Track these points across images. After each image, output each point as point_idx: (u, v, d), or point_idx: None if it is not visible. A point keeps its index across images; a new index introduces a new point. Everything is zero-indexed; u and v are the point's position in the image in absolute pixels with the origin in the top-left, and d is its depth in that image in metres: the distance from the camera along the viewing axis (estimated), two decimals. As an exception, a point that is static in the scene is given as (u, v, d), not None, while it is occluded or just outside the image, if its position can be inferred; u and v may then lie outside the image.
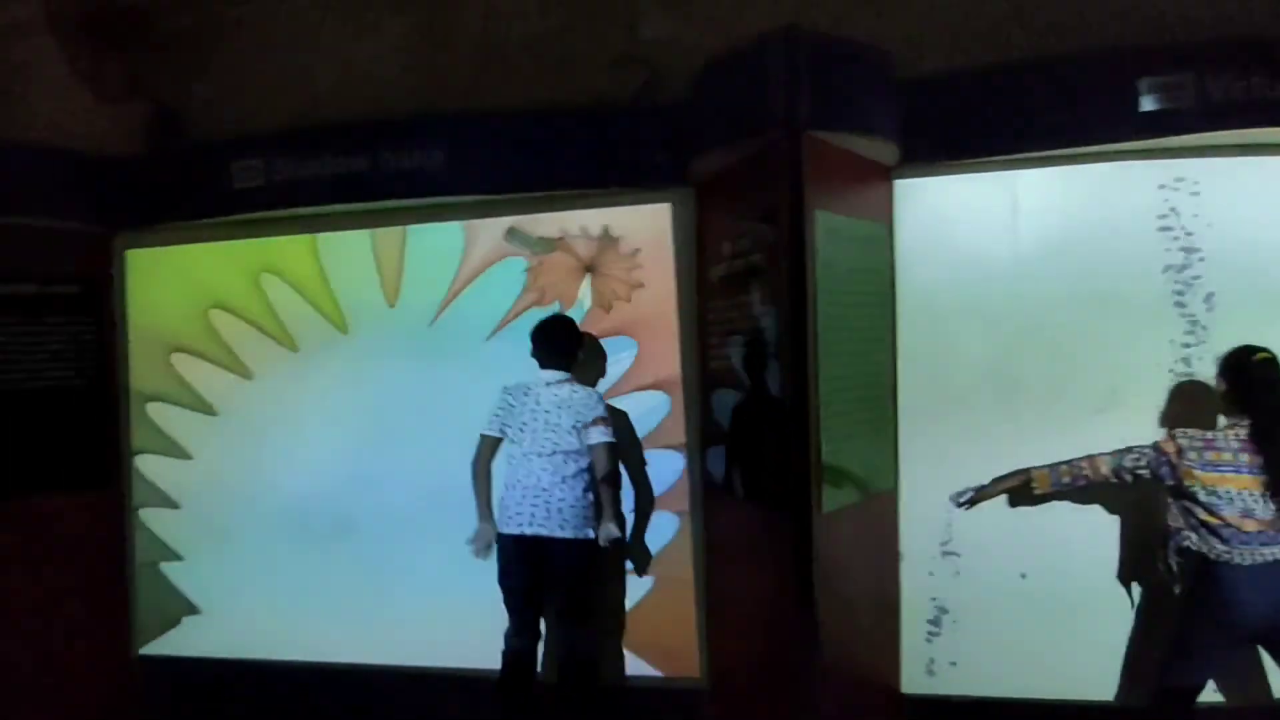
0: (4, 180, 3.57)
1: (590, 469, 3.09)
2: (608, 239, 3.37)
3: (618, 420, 3.23)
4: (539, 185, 3.34)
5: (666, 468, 3.34)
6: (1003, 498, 2.96)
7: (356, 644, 3.66)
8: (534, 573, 3.08)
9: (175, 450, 3.87)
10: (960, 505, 2.95)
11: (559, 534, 3.03)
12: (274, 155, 3.53)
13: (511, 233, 3.44)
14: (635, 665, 3.39)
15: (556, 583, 3.09)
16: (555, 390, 3.10)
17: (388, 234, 3.60)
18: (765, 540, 2.86)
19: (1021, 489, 2.88)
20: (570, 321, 3.24)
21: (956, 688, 3.09)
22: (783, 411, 2.69)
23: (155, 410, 3.88)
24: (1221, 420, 2.70)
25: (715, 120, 2.98)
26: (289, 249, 3.71)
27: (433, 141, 3.37)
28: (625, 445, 3.27)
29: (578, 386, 3.13)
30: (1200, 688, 2.65)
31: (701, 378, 3.25)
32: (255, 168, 3.53)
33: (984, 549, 3.08)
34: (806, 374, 2.64)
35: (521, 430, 3.10)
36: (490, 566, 3.16)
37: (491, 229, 3.48)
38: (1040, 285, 3.02)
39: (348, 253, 3.65)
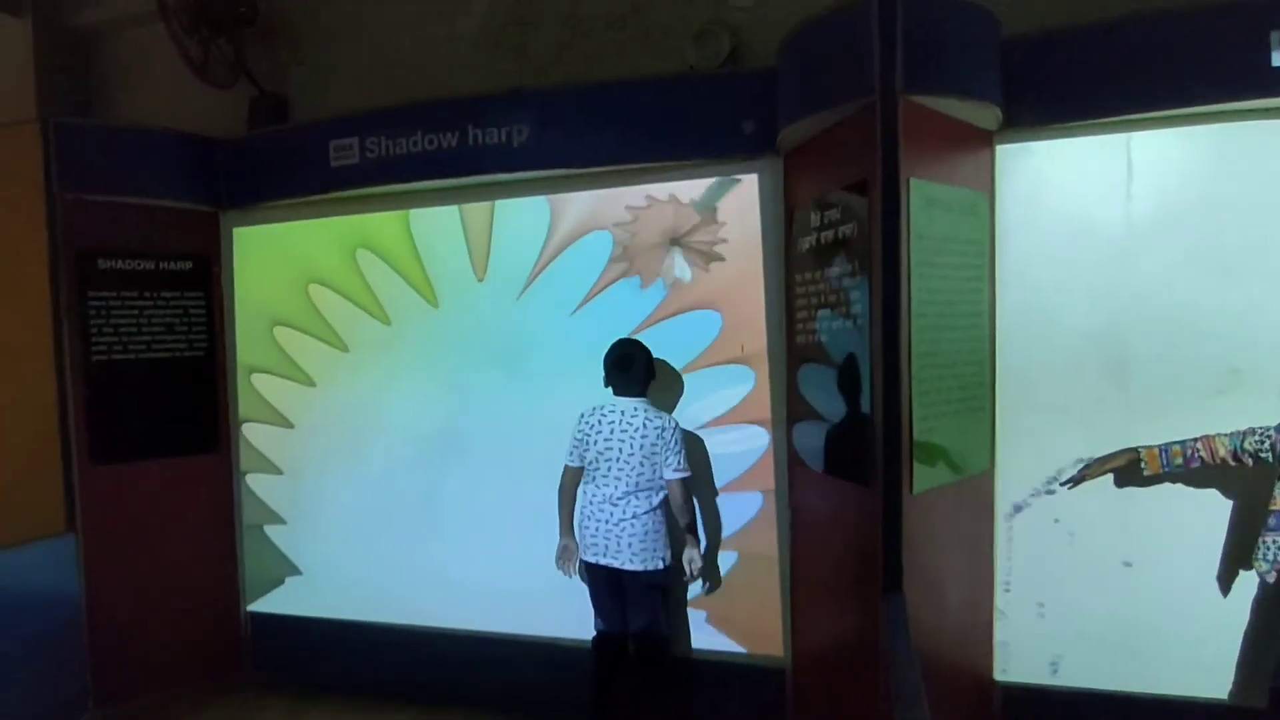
0: (124, 162, 3.82)
1: (665, 502, 3.16)
2: (693, 210, 3.32)
3: (694, 449, 3.27)
4: (624, 158, 3.32)
5: (751, 444, 3.30)
6: (1109, 479, 2.81)
7: (444, 608, 3.78)
8: (614, 589, 3.20)
9: (277, 419, 4.07)
10: (1064, 485, 2.81)
11: (629, 567, 3.13)
12: (367, 134, 3.64)
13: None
14: (719, 640, 3.38)
15: (633, 599, 3.18)
16: (630, 419, 3.13)
17: (476, 209, 3.65)
18: (853, 519, 2.79)
19: (1129, 469, 2.73)
20: (639, 344, 3.24)
21: (1052, 678, 2.97)
22: (872, 389, 2.61)
23: (259, 381, 4.08)
24: None
25: (805, 87, 2.89)
26: (383, 225, 3.82)
27: (520, 117, 3.40)
28: (700, 475, 3.30)
29: (653, 414, 3.14)
30: None
31: (788, 352, 3.19)
32: (350, 147, 3.64)
33: (1085, 535, 2.93)
34: (899, 350, 2.56)
35: (595, 463, 3.17)
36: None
37: (577, 203, 3.49)
38: (1155, 255, 2.83)
39: (438, 228, 3.72)
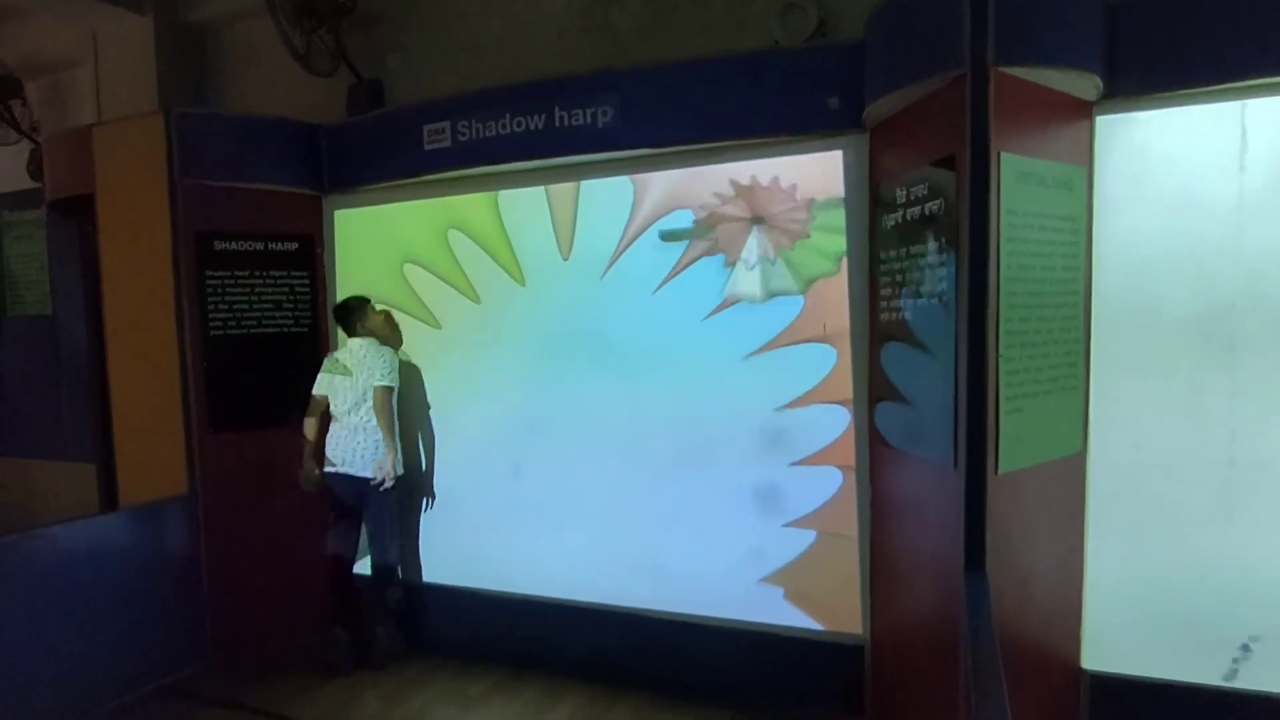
0: (237, 149, 4.08)
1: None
2: (778, 188, 3.32)
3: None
4: (709, 136, 3.33)
5: (832, 422, 3.29)
6: (1208, 463, 2.68)
7: (531, 576, 3.93)
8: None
9: (376, 392, 4.28)
10: None
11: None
12: (459, 117, 3.76)
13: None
14: (796, 618, 3.40)
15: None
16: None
17: (562, 190, 3.74)
18: (936, 499, 2.76)
19: None
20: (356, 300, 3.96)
21: (1144, 669, 2.88)
22: (958, 367, 2.57)
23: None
24: None
25: (892, 60, 2.84)
26: (473, 206, 3.95)
27: (605, 98, 3.45)
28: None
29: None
30: None
31: (871, 331, 3.16)
32: (442, 130, 3.78)
33: (1180, 522, 2.82)
34: (985, 328, 2.51)
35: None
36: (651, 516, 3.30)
37: (661, 181, 3.53)
38: (1270, 230, 2.67)
39: (526, 209, 3.83)
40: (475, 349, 4.03)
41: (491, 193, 3.88)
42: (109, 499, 4.48)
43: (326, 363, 3.99)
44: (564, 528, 3.84)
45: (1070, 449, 2.87)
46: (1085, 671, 2.96)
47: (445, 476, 4.15)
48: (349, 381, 3.85)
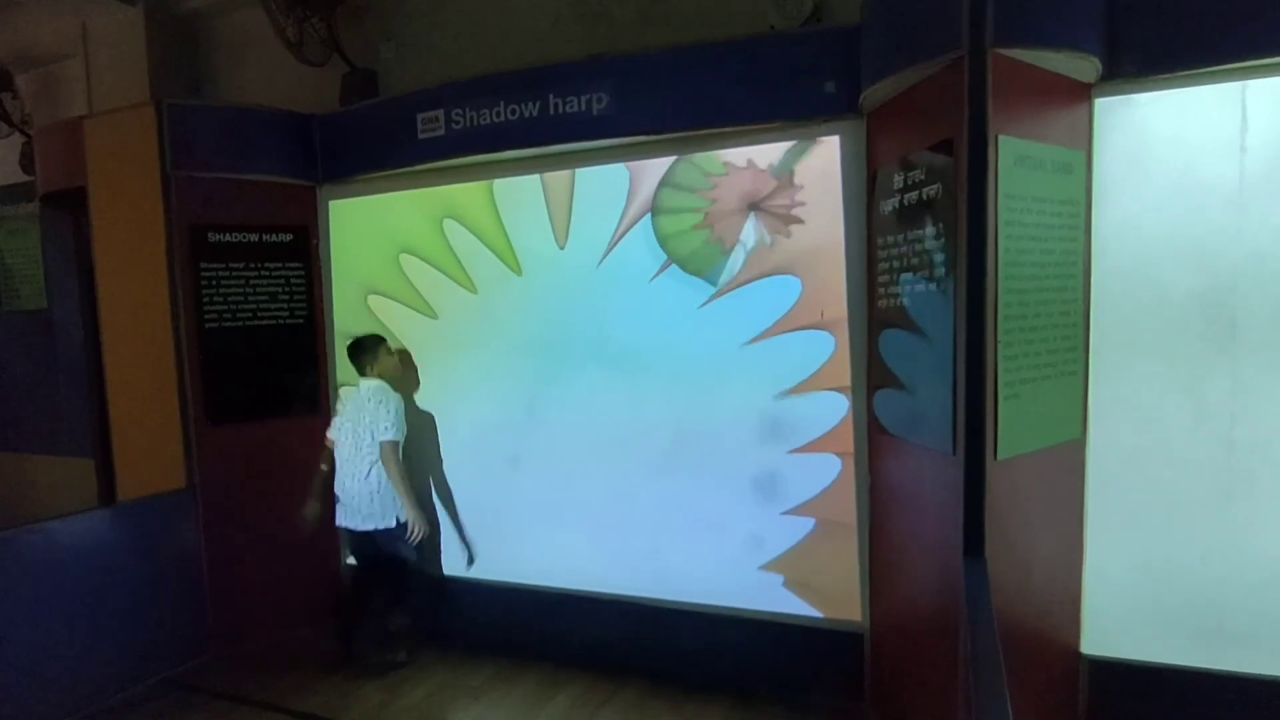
0: (230, 140, 4.05)
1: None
2: (773, 174, 3.29)
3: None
4: (705, 122, 3.31)
5: (830, 410, 3.28)
6: (1206, 448, 2.67)
7: (529, 566, 3.93)
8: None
9: (373, 383, 4.26)
10: None
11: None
12: (452, 106, 3.73)
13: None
14: (796, 605, 3.40)
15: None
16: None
17: (557, 178, 3.71)
18: (935, 485, 2.75)
19: None
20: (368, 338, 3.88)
21: (1144, 654, 2.88)
22: (956, 352, 2.56)
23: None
24: None
25: (889, 44, 2.81)
26: (468, 195, 3.92)
27: (599, 85, 3.42)
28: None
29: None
30: None
31: (869, 317, 3.15)
32: (436, 119, 3.75)
33: (1179, 506, 2.81)
34: (984, 314, 2.49)
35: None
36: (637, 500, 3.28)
37: (657, 169, 3.50)
38: (1271, 211, 2.65)
39: (521, 197, 3.81)
40: (472, 339, 4.01)
41: (487, 181, 3.86)
42: (107, 494, 4.48)
43: (338, 405, 3.96)
44: (563, 517, 3.84)
45: (1070, 434, 2.86)
46: (1084, 656, 2.96)
47: (445, 463, 4.14)
48: (349, 426, 3.80)
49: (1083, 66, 2.66)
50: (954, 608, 2.54)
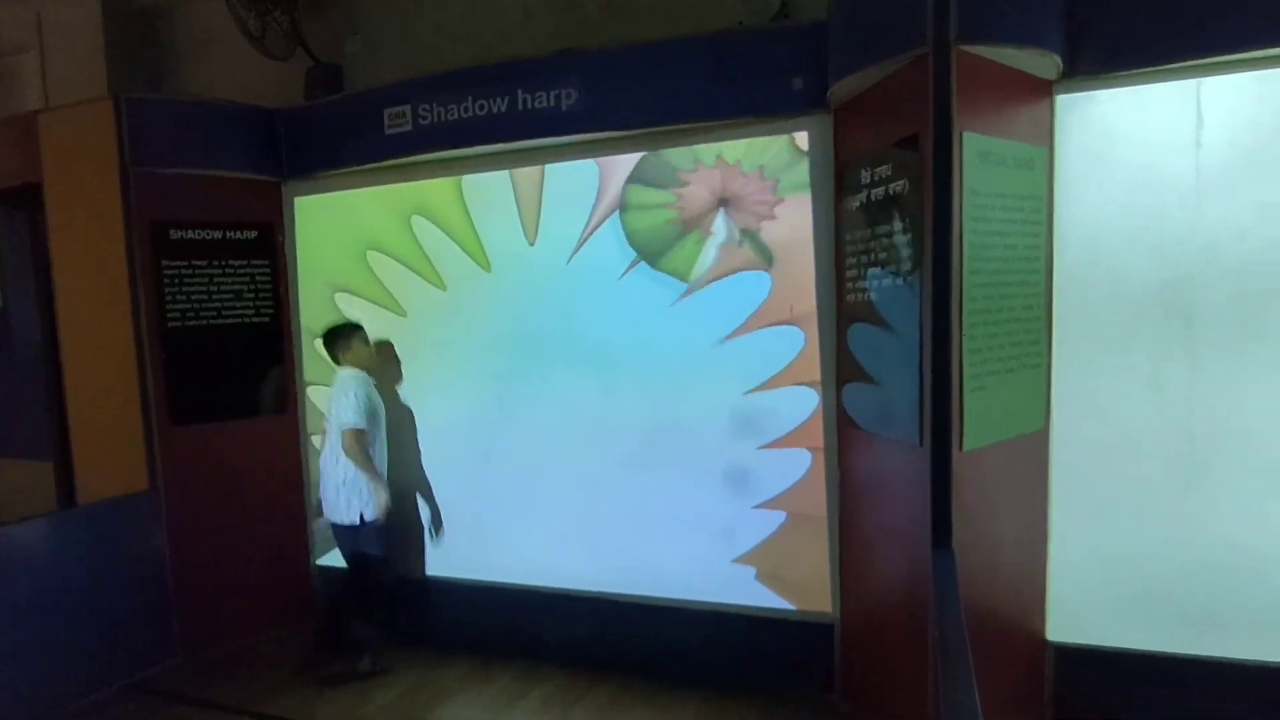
0: (192, 136, 3.97)
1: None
2: (743, 169, 3.30)
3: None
4: (674, 118, 3.31)
5: (801, 404, 3.30)
6: (1173, 441, 2.72)
7: (502, 563, 3.91)
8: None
9: (341, 382, 4.21)
10: None
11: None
12: (420, 101, 3.69)
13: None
14: (767, 598, 3.42)
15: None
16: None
17: (527, 174, 3.69)
18: (903, 477, 2.79)
19: None
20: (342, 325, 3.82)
21: (1108, 640, 2.94)
22: (922, 346, 2.59)
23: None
24: None
25: (856, 40, 2.84)
26: (436, 191, 3.89)
27: (568, 80, 3.41)
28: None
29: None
30: None
31: (838, 312, 3.17)
32: (403, 114, 3.71)
33: (1141, 494, 2.88)
34: (949, 307, 2.53)
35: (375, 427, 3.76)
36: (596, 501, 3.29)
37: (627, 165, 3.49)
38: (1226, 206, 2.72)
39: (490, 194, 3.78)
40: (442, 336, 3.98)
41: (455, 178, 3.83)
42: (67, 497, 4.37)
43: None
44: (535, 514, 3.83)
45: (1033, 425, 2.91)
46: (1050, 643, 3.02)
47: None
48: (328, 416, 3.76)
49: (1044, 64, 2.70)
50: (922, 598, 2.58)
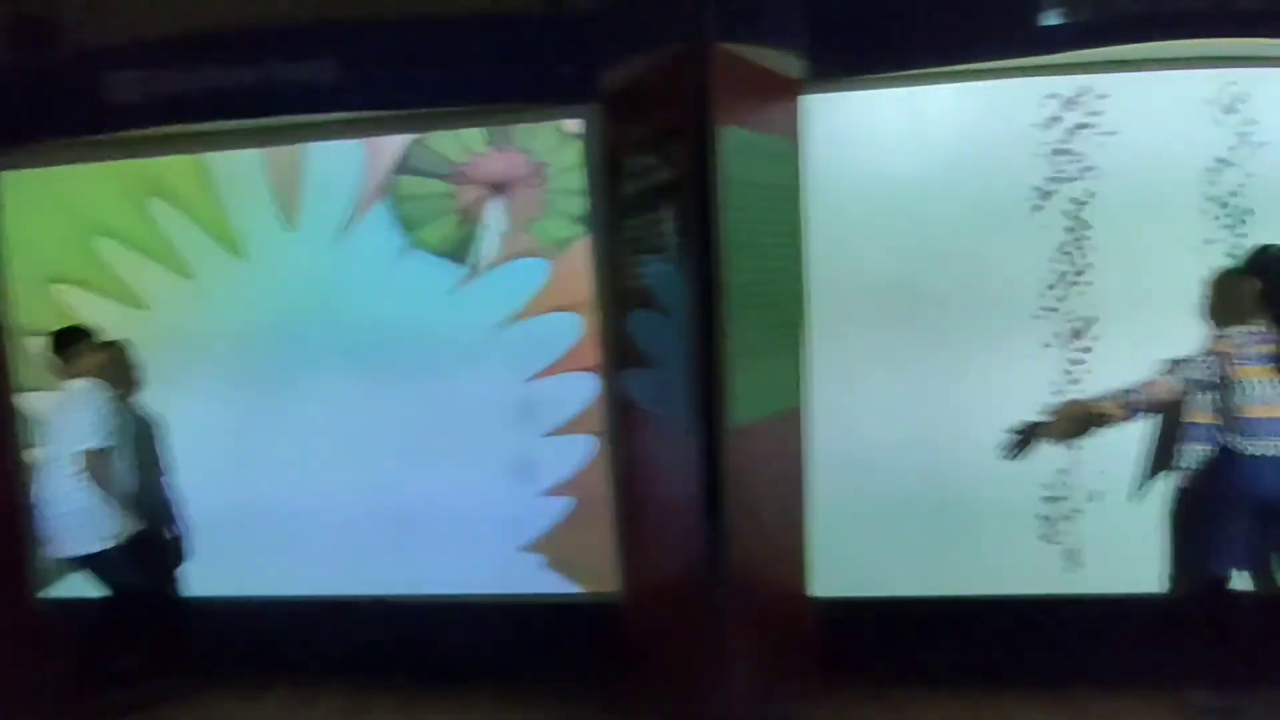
0: None
1: None
2: (518, 157, 3.27)
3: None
4: (443, 100, 3.21)
5: (583, 389, 3.34)
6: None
7: (271, 575, 3.61)
8: None
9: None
10: (1010, 457, 2.72)
11: None
12: (154, 66, 3.29)
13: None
14: (555, 583, 3.44)
15: None
16: None
17: (282, 153, 3.41)
18: (677, 456, 2.90)
19: (1081, 427, 2.69)
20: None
21: (864, 590, 3.24)
22: (691, 329, 2.71)
23: (38, 345, 3.65)
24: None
25: (625, 32, 2.90)
26: (176, 170, 3.50)
27: (326, 51, 3.18)
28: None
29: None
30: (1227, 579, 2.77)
31: (617, 298, 3.23)
32: (131, 80, 3.27)
33: (888, 454, 3.20)
34: (715, 290, 2.65)
35: None
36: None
37: (395, 147, 3.34)
38: (948, 203, 3.08)
39: (239, 174, 3.47)
40: (190, 330, 3.60)
41: (199, 155, 3.46)
42: None
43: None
44: (307, 519, 3.58)
45: (793, 401, 3.14)
46: (813, 598, 3.28)
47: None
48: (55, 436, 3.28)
49: (792, 64, 2.91)
50: (696, 569, 2.70)
